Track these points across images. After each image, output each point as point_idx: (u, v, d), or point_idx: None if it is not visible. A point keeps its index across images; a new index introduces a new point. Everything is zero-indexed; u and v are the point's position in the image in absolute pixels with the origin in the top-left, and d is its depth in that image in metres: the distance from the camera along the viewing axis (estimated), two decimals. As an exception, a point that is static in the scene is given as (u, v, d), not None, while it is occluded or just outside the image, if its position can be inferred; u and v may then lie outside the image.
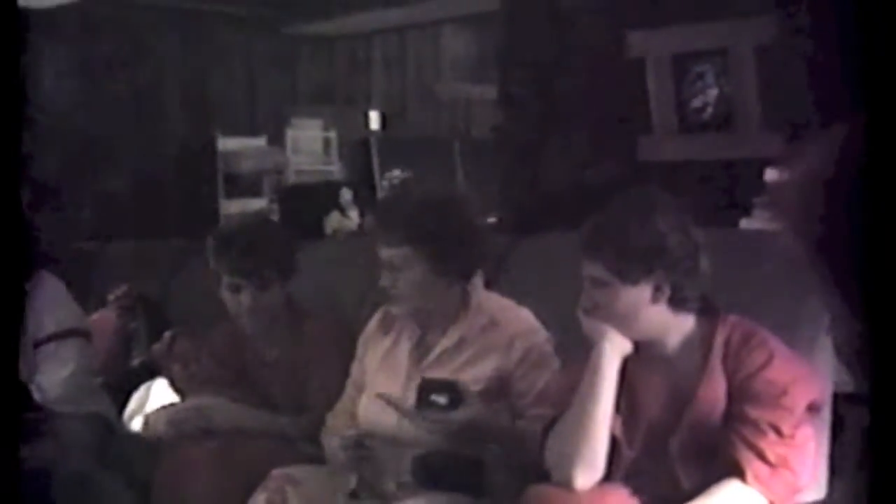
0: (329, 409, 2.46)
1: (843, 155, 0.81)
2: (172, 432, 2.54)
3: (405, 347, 2.32)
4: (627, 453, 1.87)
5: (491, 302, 2.30)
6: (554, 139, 3.76)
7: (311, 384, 2.57)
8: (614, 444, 1.85)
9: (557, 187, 3.67)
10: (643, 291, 1.84)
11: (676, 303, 1.85)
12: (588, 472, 1.81)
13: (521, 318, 2.26)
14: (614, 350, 1.87)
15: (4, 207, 1.58)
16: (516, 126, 3.90)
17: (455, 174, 6.75)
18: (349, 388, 2.43)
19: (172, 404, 2.73)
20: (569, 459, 1.82)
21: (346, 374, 2.48)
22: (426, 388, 2.09)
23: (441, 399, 2.06)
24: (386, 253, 2.23)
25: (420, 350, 2.30)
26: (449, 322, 2.27)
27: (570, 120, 3.70)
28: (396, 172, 5.11)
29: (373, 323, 2.45)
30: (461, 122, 7.37)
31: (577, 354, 1.95)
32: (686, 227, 1.85)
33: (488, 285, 2.40)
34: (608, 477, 1.84)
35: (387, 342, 2.37)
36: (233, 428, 2.53)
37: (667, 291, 1.83)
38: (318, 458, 2.39)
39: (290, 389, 2.63)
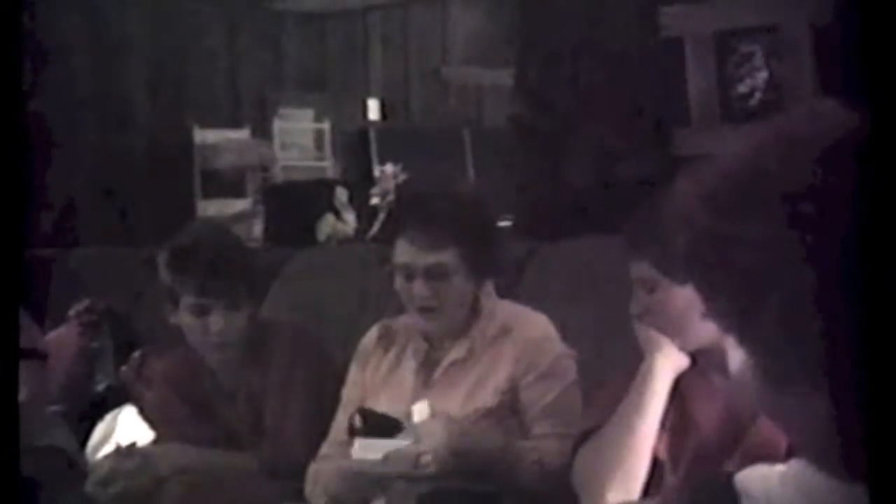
0: (288, 435, 2.48)
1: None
2: (117, 489, 2.53)
3: (410, 365, 2.33)
4: (670, 478, 1.87)
5: (503, 308, 2.33)
6: (578, 131, 3.75)
7: (269, 405, 2.57)
8: (655, 466, 1.85)
9: (582, 185, 3.66)
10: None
11: None
12: (621, 496, 1.81)
13: (535, 324, 2.28)
14: (668, 364, 1.88)
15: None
16: (535, 115, 3.90)
17: (465, 170, 6.76)
18: (342, 414, 2.43)
19: (119, 450, 2.72)
20: (601, 479, 1.83)
21: (314, 393, 2.50)
22: (367, 423, 2.12)
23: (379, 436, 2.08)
24: (423, 259, 2.21)
25: (427, 366, 2.32)
26: (458, 333, 2.28)
27: (597, 109, 3.69)
28: (390, 167, 5.10)
29: (369, 339, 2.45)
30: (472, 111, 7.38)
31: (606, 373, 1.95)
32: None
33: (502, 296, 2.41)
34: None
35: (388, 360, 2.38)
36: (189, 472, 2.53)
37: None
38: (285, 496, 2.40)
39: (251, 420, 2.62)
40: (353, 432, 2.13)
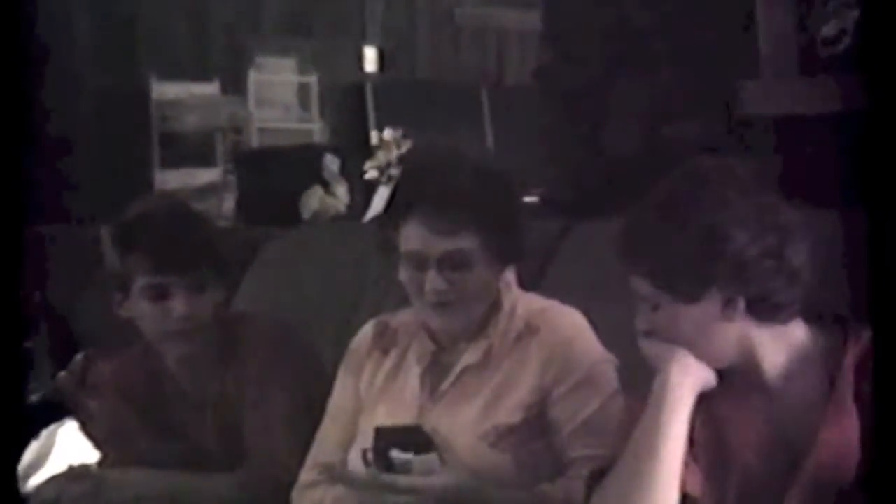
0: (272, 450, 2.48)
1: None
2: None
3: (414, 371, 2.33)
4: None
5: (528, 302, 2.32)
6: (620, 85, 3.74)
7: (247, 418, 2.57)
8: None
9: (624, 152, 3.65)
10: (709, 307, 1.85)
11: (763, 314, 1.86)
12: None
13: (568, 322, 2.28)
14: (687, 377, 1.88)
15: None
16: (568, 68, 3.89)
17: (483, 135, 6.76)
18: (329, 429, 2.43)
19: (71, 471, 2.73)
20: None
21: (299, 399, 2.51)
22: (383, 441, 2.10)
23: (403, 455, 2.06)
24: (439, 246, 2.20)
25: (434, 373, 2.31)
26: (473, 332, 2.28)
27: (644, 58, 3.68)
28: (389, 133, 5.10)
29: (364, 338, 2.45)
30: (491, 63, 7.37)
31: (649, 381, 1.96)
32: (766, 211, 1.85)
33: (527, 289, 2.41)
34: None
35: (387, 364, 2.38)
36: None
37: (741, 303, 1.84)
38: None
39: (224, 435, 2.62)
40: (382, 462, 2.11)
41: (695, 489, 1.86)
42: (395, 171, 4.98)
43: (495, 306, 2.29)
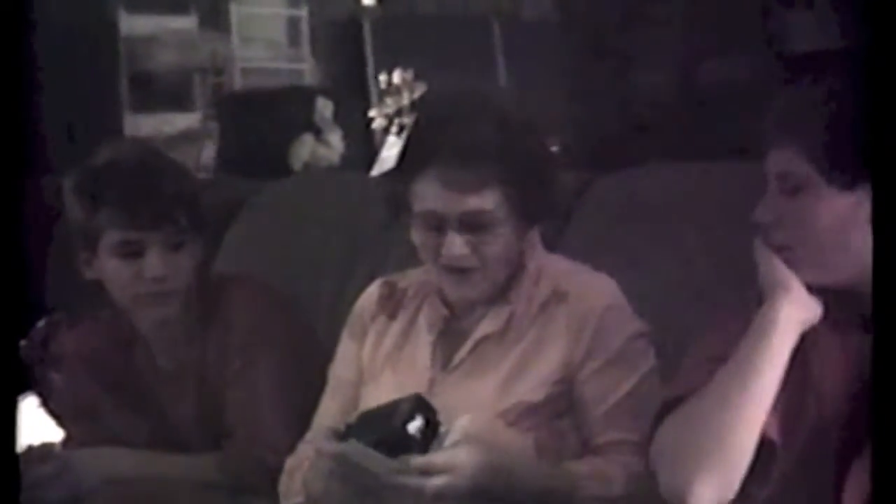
0: (257, 428, 2.49)
1: None
2: None
3: (425, 338, 2.34)
4: (783, 464, 1.88)
5: (554, 266, 2.33)
6: (650, 19, 3.74)
7: (230, 392, 2.58)
8: (760, 450, 1.86)
9: (654, 95, 3.66)
10: (862, 203, 1.83)
11: None
12: (715, 491, 1.83)
13: (600, 289, 2.28)
14: (796, 313, 1.88)
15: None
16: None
17: (495, 77, 6.75)
18: (329, 402, 2.45)
19: (31, 452, 2.74)
20: (689, 466, 1.84)
21: (288, 371, 2.53)
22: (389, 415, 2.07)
23: (417, 423, 2.05)
24: (459, 205, 2.19)
25: (448, 341, 2.32)
26: (493, 297, 2.28)
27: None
28: (399, 75, 5.09)
29: (367, 301, 2.45)
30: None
31: (679, 352, 1.96)
32: None
33: (547, 247, 2.41)
34: (746, 496, 1.85)
35: (394, 331, 2.39)
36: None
37: None
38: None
39: (204, 411, 2.63)
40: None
41: (773, 432, 1.87)
42: (406, 120, 4.97)
43: (519, 269, 2.29)
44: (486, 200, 2.19)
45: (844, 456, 1.85)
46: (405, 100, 5.03)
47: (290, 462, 2.39)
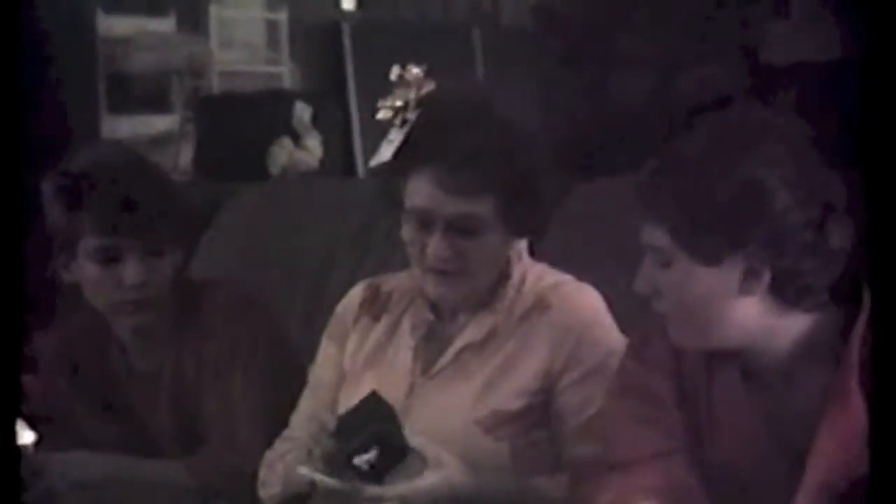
0: (232, 435, 2.49)
1: None
2: None
3: (407, 342, 2.34)
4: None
5: (539, 275, 2.32)
6: (629, 26, 3.74)
7: (206, 398, 2.57)
8: None
9: (632, 102, 3.66)
10: (729, 274, 1.84)
11: (787, 295, 1.85)
12: None
13: (583, 300, 2.28)
14: None
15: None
16: (571, 6, 3.89)
17: (474, 79, 6.75)
18: (306, 403, 2.44)
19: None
20: None
21: (265, 378, 2.51)
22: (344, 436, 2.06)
23: (367, 457, 2.02)
24: (449, 207, 2.19)
25: (431, 347, 2.32)
26: (478, 305, 2.29)
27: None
28: (413, 70, 5.07)
29: (351, 303, 2.44)
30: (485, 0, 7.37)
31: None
32: (815, 179, 1.84)
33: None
34: None
35: (377, 333, 2.38)
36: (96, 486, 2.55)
37: (765, 277, 1.83)
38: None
39: (179, 417, 2.63)
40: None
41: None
42: (411, 115, 4.97)
43: (503, 277, 2.29)
44: (478, 206, 2.19)
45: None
46: (412, 94, 5.04)
47: (268, 455, 2.40)
